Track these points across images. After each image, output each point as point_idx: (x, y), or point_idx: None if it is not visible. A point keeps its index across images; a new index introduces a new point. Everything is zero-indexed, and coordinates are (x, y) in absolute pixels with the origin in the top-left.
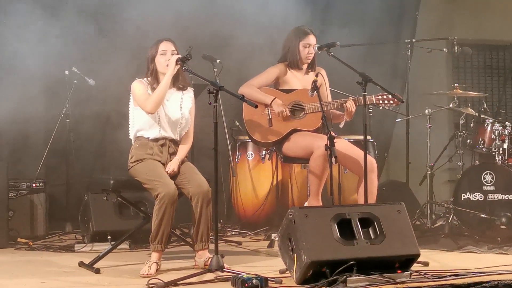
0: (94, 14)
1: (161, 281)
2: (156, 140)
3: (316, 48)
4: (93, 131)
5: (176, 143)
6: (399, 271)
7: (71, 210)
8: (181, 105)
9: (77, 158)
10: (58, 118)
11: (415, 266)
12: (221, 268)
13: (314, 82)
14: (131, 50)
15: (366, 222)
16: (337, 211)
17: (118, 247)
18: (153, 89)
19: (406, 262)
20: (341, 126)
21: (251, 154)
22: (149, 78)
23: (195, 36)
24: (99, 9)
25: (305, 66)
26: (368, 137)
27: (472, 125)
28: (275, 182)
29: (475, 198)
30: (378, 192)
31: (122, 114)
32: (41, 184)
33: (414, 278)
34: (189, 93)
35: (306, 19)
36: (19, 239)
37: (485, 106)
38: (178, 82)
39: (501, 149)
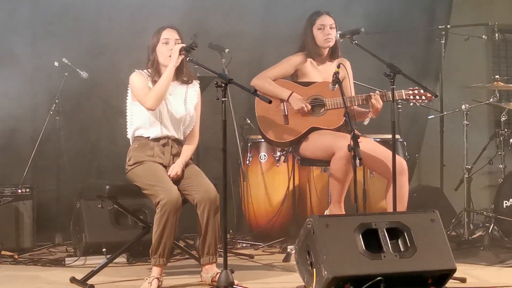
0: None
1: None
2: (157, 139)
3: (338, 35)
4: (86, 130)
5: (179, 143)
6: None
7: (62, 219)
8: (185, 100)
9: (68, 160)
10: (46, 115)
11: (450, 283)
12: (230, 285)
13: (336, 74)
14: (128, 37)
15: (395, 233)
16: (362, 220)
17: (115, 261)
18: (154, 82)
19: (440, 278)
20: (365, 123)
21: (264, 155)
22: (149, 70)
23: (201, 22)
24: None
25: (325, 53)
26: (397, 136)
27: None
28: (291, 187)
29: None
30: (408, 199)
31: (119, 111)
32: (27, 190)
33: None
34: (195, 87)
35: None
36: (3, 252)
37: None
38: (182, 75)
39: None
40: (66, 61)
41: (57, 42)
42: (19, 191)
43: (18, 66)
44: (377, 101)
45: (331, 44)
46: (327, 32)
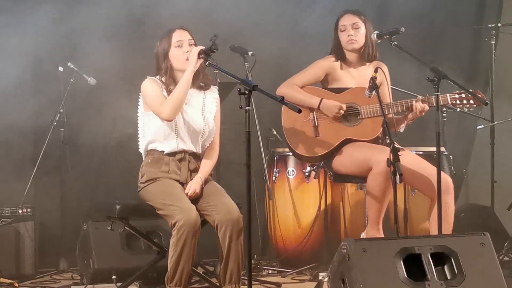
0: None
1: None
2: (173, 154)
3: (375, 36)
4: (94, 143)
5: (197, 157)
6: None
7: (67, 243)
8: (203, 109)
9: (74, 177)
10: (50, 126)
11: None
12: None
13: (373, 79)
14: (141, 39)
15: (440, 258)
16: (403, 244)
17: None
18: (169, 91)
19: None
20: (401, 130)
21: (293, 171)
22: (162, 79)
23: (220, 22)
24: None
25: (354, 57)
26: (442, 149)
27: None
28: (323, 206)
29: None
30: (455, 219)
31: (130, 121)
32: (29, 210)
33: None
34: (213, 94)
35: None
36: (1, 280)
37: None
38: (198, 80)
39: None
40: (72, 66)
41: (62, 44)
42: (20, 211)
43: (17, 72)
44: (421, 107)
45: (356, 45)
46: (348, 32)
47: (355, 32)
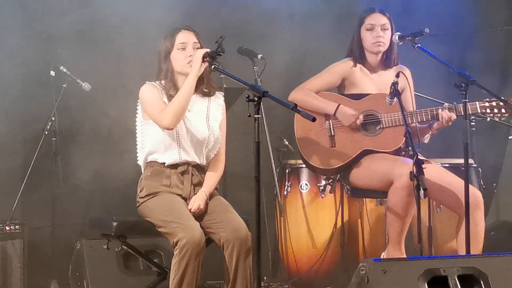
0: None
1: None
2: (174, 166)
3: (397, 38)
4: (89, 154)
5: (202, 169)
6: None
7: (58, 263)
8: (207, 117)
9: (66, 191)
10: (40, 135)
11: None
12: None
13: (394, 84)
14: (141, 41)
15: (468, 281)
16: (428, 265)
17: None
18: (169, 96)
19: None
20: (426, 141)
21: (306, 184)
22: (162, 82)
23: (225, 22)
24: None
25: (375, 60)
26: (470, 161)
27: None
28: (339, 223)
29: None
30: (485, 238)
31: (128, 130)
32: (17, 227)
33: None
34: (218, 100)
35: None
36: None
37: None
38: (202, 85)
39: None
40: (65, 70)
41: (54, 47)
42: (7, 228)
43: (5, 76)
44: (448, 116)
45: (382, 49)
46: (377, 33)
47: (383, 34)
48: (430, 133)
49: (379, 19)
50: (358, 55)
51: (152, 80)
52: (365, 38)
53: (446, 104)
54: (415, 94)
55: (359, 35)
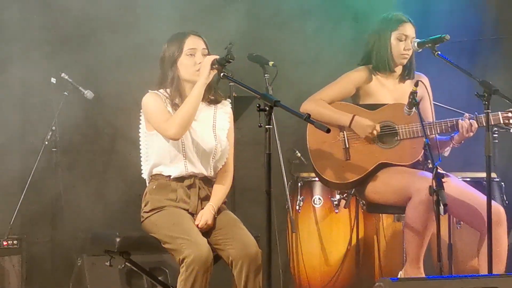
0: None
1: None
2: (181, 179)
3: (416, 45)
4: (91, 166)
5: (209, 182)
6: None
7: (58, 280)
8: (214, 126)
9: (67, 205)
10: (40, 146)
11: None
12: None
13: (413, 94)
14: (145, 47)
15: None
16: (448, 285)
17: None
18: (174, 105)
19: None
20: (446, 154)
21: (319, 199)
22: (167, 90)
23: (234, 29)
24: None
25: (398, 70)
26: (493, 175)
27: None
28: (354, 240)
29: None
30: (508, 257)
31: (132, 141)
32: (15, 242)
33: None
34: (225, 108)
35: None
36: None
37: None
38: (210, 94)
39: None
40: (66, 77)
41: (55, 54)
42: (5, 243)
43: (3, 83)
44: (469, 126)
45: (405, 62)
46: (407, 46)
47: (410, 47)
48: (451, 145)
49: (411, 31)
50: (382, 63)
51: (154, 89)
52: (395, 48)
53: (467, 115)
54: (434, 103)
55: (387, 44)
